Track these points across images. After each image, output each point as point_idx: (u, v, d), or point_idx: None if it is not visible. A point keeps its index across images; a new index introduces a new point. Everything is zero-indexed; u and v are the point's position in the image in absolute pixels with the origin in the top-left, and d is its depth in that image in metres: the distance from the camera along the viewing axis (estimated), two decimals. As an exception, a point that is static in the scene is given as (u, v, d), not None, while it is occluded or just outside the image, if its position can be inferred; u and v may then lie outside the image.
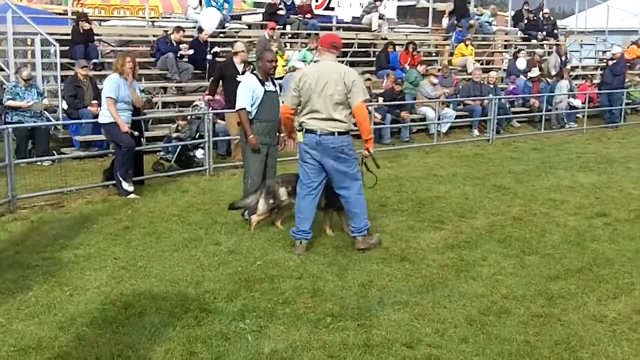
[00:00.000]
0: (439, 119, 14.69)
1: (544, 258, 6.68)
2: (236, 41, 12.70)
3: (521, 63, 18.47)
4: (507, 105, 16.37)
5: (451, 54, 19.95)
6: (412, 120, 14.82)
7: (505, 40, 22.81)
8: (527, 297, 5.66)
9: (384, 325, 5.04)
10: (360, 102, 6.60)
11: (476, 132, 15.46)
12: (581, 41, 24.16)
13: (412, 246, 7.03)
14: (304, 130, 6.71)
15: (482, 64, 19.98)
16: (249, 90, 7.60)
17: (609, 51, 24.18)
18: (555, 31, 23.45)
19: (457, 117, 15.41)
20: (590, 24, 26.40)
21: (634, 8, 27.28)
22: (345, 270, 6.25)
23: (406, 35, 20.36)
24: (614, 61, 18.68)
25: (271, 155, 7.85)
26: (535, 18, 23.19)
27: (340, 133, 6.64)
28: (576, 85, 18.55)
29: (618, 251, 6.92)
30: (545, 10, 23.93)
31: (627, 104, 18.43)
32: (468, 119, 15.61)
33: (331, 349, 4.68)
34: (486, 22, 21.92)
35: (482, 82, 16.10)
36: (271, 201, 7.45)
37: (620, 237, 7.40)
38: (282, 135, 7.85)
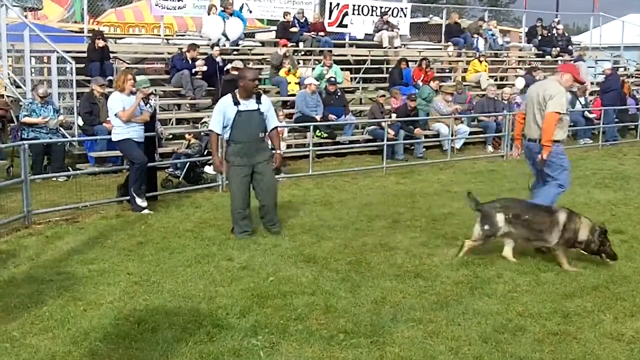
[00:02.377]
0: (452, 135, 14.66)
1: (560, 275, 6.62)
2: (249, 59, 12.82)
3: (520, 83, 18.41)
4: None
5: (465, 70, 19.96)
6: (426, 137, 14.80)
7: (519, 57, 22.78)
8: (542, 314, 5.61)
9: (397, 343, 5.01)
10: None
11: (490, 148, 15.42)
12: (596, 57, 24.09)
13: (425, 263, 7.00)
14: None
15: (496, 80, 19.95)
16: (220, 113, 7.73)
17: (625, 67, 24.18)
18: (570, 47, 23.42)
19: (471, 133, 15.39)
20: (605, 39, 26.34)
21: (648, 24, 27.26)
22: (358, 286, 6.22)
23: (419, 51, 20.40)
24: (605, 78, 18.59)
25: (260, 174, 7.78)
26: (549, 34, 23.19)
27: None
28: (591, 101, 18.45)
29: (635, 269, 6.85)
30: (559, 26, 23.90)
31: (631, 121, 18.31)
32: (482, 135, 15.57)
33: (344, 366, 4.67)
34: (492, 36, 21.89)
35: (496, 98, 16.07)
36: (486, 227, 7.09)
37: (637, 255, 7.33)
38: (277, 152, 7.95)
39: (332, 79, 15.02)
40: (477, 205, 7.21)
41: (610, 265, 6.88)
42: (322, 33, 18.89)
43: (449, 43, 21.31)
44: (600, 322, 5.46)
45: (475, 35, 21.07)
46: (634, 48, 26.21)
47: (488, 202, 7.24)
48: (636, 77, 23.25)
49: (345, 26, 20.02)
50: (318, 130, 13.67)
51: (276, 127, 8.06)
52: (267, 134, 7.99)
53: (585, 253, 7.01)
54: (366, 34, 20.33)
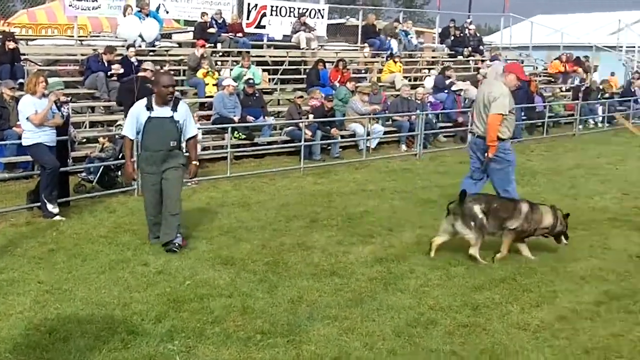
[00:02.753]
0: (368, 135, 14.87)
1: (469, 269, 6.85)
2: (165, 60, 12.66)
3: (429, 83, 18.85)
4: (434, 121, 16.69)
5: (380, 71, 20.26)
6: (342, 137, 14.96)
7: (433, 57, 23.27)
8: (453, 307, 5.80)
9: (313, 341, 5.09)
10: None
11: (404, 147, 15.69)
12: (506, 57, 24.82)
13: (341, 261, 7.12)
14: None
15: (410, 80, 20.33)
16: (132, 117, 7.53)
17: (534, 66, 25.02)
18: (481, 47, 24.05)
19: (385, 132, 15.63)
20: (515, 40, 27.19)
21: (556, 24, 28.26)
22: (275, 287, 6.28)
23: (336, 52, 20.59)
24: None
25: (165, 180, 7.47)
26: (461, 35, 23.74)
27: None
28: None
29: (540, 261, 7.15)
30: (472, 26, 24.52)
31: (549, 117, 19.01)
32: (396, 135, 15.84)
33: (260, 366, 4.72)
34: (406, 38, 22.28)
35: (409, 98, 16.39)
36: (472, 223, 7.06)
37: (542, 247, 7.62)
38: (193, 162, 7.72)
39: (251, 80, 15.01)
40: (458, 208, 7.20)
41: (563, 245, 7.32)
42: (240, 34, 18.83)
43: (365, 44, 21.58)
44: (508, 313, 5.68)
45: (388, 37, 21.33)
46: (542, 48, 27.13)
47: (469, 201, 7.22)
48: (544, 76, 24.08)
49: (263, 27, 20.01)
50: (236, 132, 13.63)
51: (195, 137, 7.80)
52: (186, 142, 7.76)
53: (547, 237, 7.35)
54: (284, 35, 20.37)
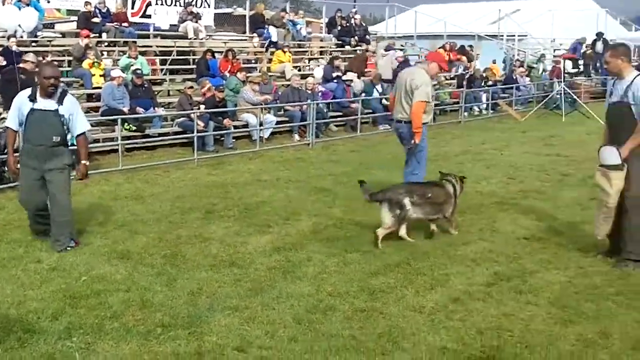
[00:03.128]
0: (260, 125, 14.90)
1: (365, 255, 7.01)
2: (48, 51, 12.21)
3: (318, 72, 19.16)
4: (325, 110, 16.90)
5: (269, 61, 20.28)
6: (235, 127, 14.91)
7: (321, 47, 23.49)
8: (350, 293, 5.93)
9: (214, 332, 5.10)
10: None
11: (297, 137, 15.80)
12: (393, 45, 25.35)
13: (240, 251, 7.14)
14: None
15: (299, 70, 20.46)
16: (15, 108, 7.13)
17: (419, 55, 25.65)
18: (367, 37, 24.45)
19: (278, 122, 15.69)
20: (400, 29, 27.77)
21: (439, 14, 29.08)
22: (174, 279, 6.23)
23: (224, 42, 20.44)
24: (397, 65, 19.69)
25: (50, 183, 7.06)
26: (348, 24, 24.06)
27: None
28: (388, 87, 19.37)
29: (433, 245, 7.40)
30: (357, 16, 24.87)
31: (436, 105, 19.55)
32: (288, 125, 15.94)
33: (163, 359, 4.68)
34: (295, 28, 22.40)
35: (300, 87, 16.51)
36: (397, 212, 7.25)
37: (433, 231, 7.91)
38: (82, 162, 7.29)
39: (139, 71, 14.70)
40: (374, 196, 7.48)
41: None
42: (125, 24, 18.39)
43: (254, 34, 21.52)
44: (403, 297, 5.86)
45: (268, 26, 21.27)
46: (426, 37, 27.83)
47: (388, 190, 7.50)
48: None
49: (149, 16, 19.60)
50: (126, 124, 13.33)
51: (84, 134, 7.33)
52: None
53: None
54: (171, 25, 20.04)
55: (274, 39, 20.80)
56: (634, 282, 6.18)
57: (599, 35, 27.90)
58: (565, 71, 26.78)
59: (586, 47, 27.61)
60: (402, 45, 25.58)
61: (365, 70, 21.01)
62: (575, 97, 21.59)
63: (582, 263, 6.75)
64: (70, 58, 15.97)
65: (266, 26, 21.15)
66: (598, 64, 26.76)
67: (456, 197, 7.79)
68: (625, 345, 4.93)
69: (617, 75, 6.73)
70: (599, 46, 27.29)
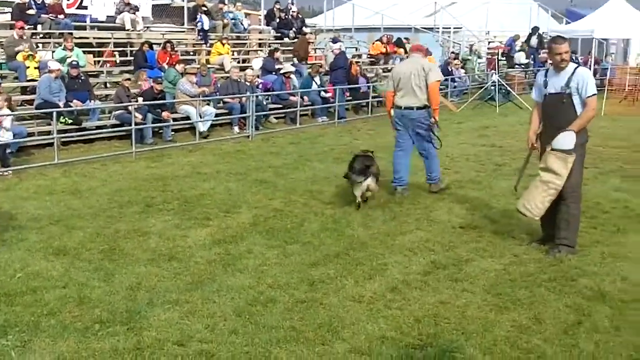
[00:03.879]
0: (200, 117, 14.79)
1: (305, 246, 7.07)
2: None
3: (257, 64, 19.11)
4: (264, 102, 16.88)
5: (208, 53, 20.10)
6: (174, 120, 14.77)
7: (260, 39, 23.40)
8: (291, 284, 5.97)
9: (154, 326, 5.08)
10: None
11: (236, 129, 15.75)
12: (331, 38, 25.39)
13: (179, 245, 7.11)
14: None
15: (238, 62, 20.35)
16: None
17: (356, 47, 25.81)
18: (305, 29, 24.44)
19: (217, 115, 15.60)
20: (338, 22, 27.84)
21: (376, 6, 29.21)
22: (112, 275, 6.17)
23: (163, 34, 20.17)
24: (334, 57, 19.81)
25: None
26: (286, 17, 24.02)
27: None
28: (326, 81, 19.45)
29: (371, 235, 7.49)
30: (294, 8, 24.84)
31: (373, 97, 19.77)
32: (228, 117, 15.87)
33: (101, 356, 4.64)
34: (233, 19, 22.23)
35: (239, 79, 16.43)
36: (376, 180, 8.63)
37: (372, 222, 8.02)
38: None
39: (75, 63, 14.39)
40: (359, 175, 8.48)
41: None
42: (61, 15, 17.94)
43: (193, 25, 21.25)
44: (343, 287, 5.93)
45: (199, 14, 21.01)
46: (363, 29, 27.96)
47: (367, 168, 8.50)
48: (367, 58, 24.91)
49: (85, 8, 19.18)
50: (62, 117, 13.06)
51: None
52: None
53: None
54: (108, 16, 19.64)
55: (206, 27, 20.55)
56: (566, 269, 6.37)
57: (534, 29, 28.55)
58: (519, 62, 27.50)
59: (522, 43, 28.25)
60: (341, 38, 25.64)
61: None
62: (509, 88, 22.07)
63: (516, 251, 6.93)
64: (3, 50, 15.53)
65: (199, 14, 20.86)
66: (532, 57, 27.42)
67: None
68: (557, 329, 5.09)
69: (558, 68, 6.85)
70: (534, 41, 27.94)
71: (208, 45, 20.44)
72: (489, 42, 30.02)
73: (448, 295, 5.75)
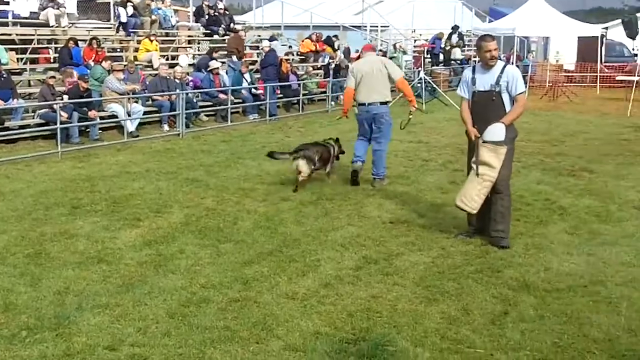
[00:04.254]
0: (128, 115, 14.55)
1: (238, 244, 7.06)
2: None
3: (183, 60, 19.08)
4: (194, 100, 16.74)
5: (136, 50, 19.79)
6: (101, 118, 14.49)
7: (189, 36, 23.16)
8: (224, 284, 5.95)
9: (84, 331, 4.99)
10: None
11: (166, 127, 15.56)
12: (259, 36, 25.36)
13: (109, 247, 6.99)
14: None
15: (167, 59, 20.09)
16: None
17: (287, 45, 25.81)
18: (234, 26, 24.32)
19: (146, 113, 15.38)
20: (267, 19, 27.82)
21: (305, 4, 29.31)
22: (39, 279, 6.03)
23: (88, 30, 19.75)
24: (264, 55, 19.83)
25: None
26: (215, 13, 23.84)
27: None
28: (257, 78, 19.42)
29: (304, 232, 7.54)
30: (221, 5, 24.68)
31: (304, 94, 19.87)
32: (157, 115, 15.67)
33: (30, 363, 4.54)
34: (163, 16, 21.94)
35: (168, 77, 16.23)
36: (312, 166, 9.52)
37: (304, 219, 8.07)
38: None
39: (-5, 60, 13.99)
40: (294, 154, 9.57)
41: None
42: (-18, 11, 17.39)
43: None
44: (277, 284, 5.95)
45: (119, 7, 20.65)
46: (293, 27, 27.99)
47: (302, 150, 9.60)
48: (297, 55, 24.94)
49: (7, 3, 18.61)
50: (-18, 117, 12.68)
51: None
52: None
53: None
54: (31, 12, 19.10)
55: (123, 19, 20.20)
56: (492, 260, 6.56)
57: (455, 28, 29.18)
58: (454, 57, 27.99)
59: (445, 41, 28.83)
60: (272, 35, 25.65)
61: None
62: (434, 85, 22.47)
63: (443, 244, 7.08)
64: None
65: (117, 7, 20.48)
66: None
67: (334, 155, 10.20)
68: (485, 320, 5.23)
69: (487, 65, 6.95)
70: (454, 39, 28.54)
71: (129, 37, 20.10)
72: (415, 40, 30.47)
73: (379, 289, 5.83)
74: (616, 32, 29.78)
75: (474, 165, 6.87)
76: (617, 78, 24.65)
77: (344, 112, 10.24)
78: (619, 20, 29.59)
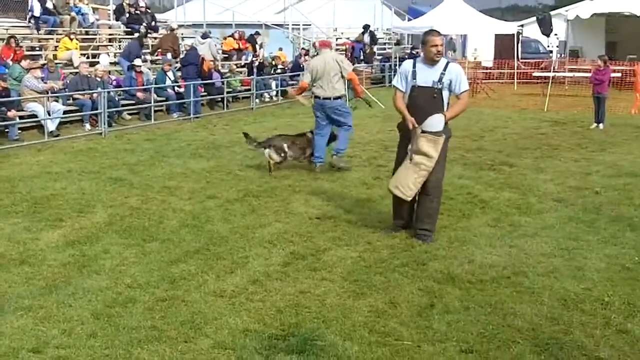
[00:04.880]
0: (49, 115, 14.19)
1: (164, 243, 6.99)
2: None
3: (104, 59, 18.88)
4: (116, 98, 16.45)
5: (56, 48, 19.30)
6: (20, 118, 14.08)
7: (110, 34, 22.73)
8: (151, 283, 5.88)
9: (7, 334, 4.87)
10: None
11: (88, 126, 15.25)
12: (182, 34, 25.06)
13: (31, 248, 6.82)
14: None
15: (88, 57, 19.67)
16: None
17: (211, 44, 25.58)
18: (155, 24, 24.01)
19: (67, 112, 15.04)
20: (190, 17, 27.55)
21: (227, 3, 29.17)
22: (-43, 283, 5.85)
23: (6, 29, 19.15)
24: (185, 53, 19.70)
25: None
26: (136, 12, 23.46)
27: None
28: (180, 76, 19.20)
29: (231, 229, 7.51)
30: (142, 3, 24.31)
31: (228, 92, 19.79)
32: (79, 114, 15.34)
33: (-50, 368, 4.41)
34: (81, 14, 21.47)
35: (89, 75, 15.90)
36: (282, 154, 10.37)
37: (231, 216, 8.05)
38: None
39: None
40: (262, 143, 10.52)
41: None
42: None
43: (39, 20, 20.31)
44: (205, 283, 5.91)
45: (33, 2, 20.10)
46: (215, 26, 27.75)
47: (272, 139, 10.58)
48: (220, 53, 24.76)
49: None
50: None
51: None
52: None
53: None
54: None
55: (36, 13, 19.68)
56: (417, 254, 6.67)
57: (366, 27, 29.55)
58: (396, 56, 28.30)
59: (364, 44, 29.31)
60: (194, 33, 25.42)
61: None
62: (358, 82, 22.69)
63: (369, 238, 7.17)
64: None
65: (32, 1, 19.92)
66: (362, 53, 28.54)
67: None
68: (412, 312, 5.32)
69: (432, 61, 6.89)
70: (367, 38, 28.90)
71: (49, 36, 19.61)
72: (337, 39, 30.71)
73: (308, 285, 5.87)
74: (532, 30, 30.66)
75: (411, 154, 6.83)
76: (534, 74, 25.41)
77: (298, 97, 11.51)
78: (534, 18, 30.46)
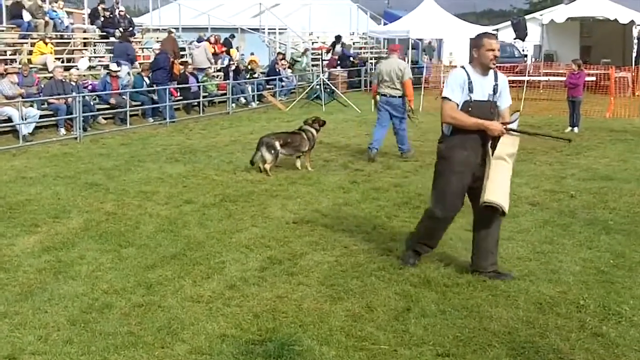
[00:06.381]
0: (23, 119, 14.07)
1: (141, 249, 6.97)
2: None
3: (83, 64, 18.97)
4: (92, 103, 16.36)
5: (30, 52, 19.14)
6: (-7, 123, 13.97)
7: (85, 38, 22.59)
8: (127, 289, 5.86)
9: (-18, 341, 4.83)
10: None
11: (63, 131, 15.15)
12: (157, 38, 24.96)
13: (6, 254, 6.77)
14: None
15: (62, 62, 19.52)
16: None
17: (187, 47, 25.52)
18: (131, 28, 23.90)
19: (42, 116, 14.92)
20: (165, 21, 27.44)
21: (203, 7, 29.11)
22: None
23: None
24: (155, 57, 19.64)
25: None
26: (111, 16, 23.35)
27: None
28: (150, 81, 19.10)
29: (207, 234, 7.50)
30: (121, 7, 24.19)
31: (204, 96, 19.76)
32: (53, 118, 15.23)
33: None
34: (56, 17, 21.32)
35: (64, 80, 15.79)
36: (273, 152, 10.57)
37: (208, 221, 8.03)
38: None
39: None
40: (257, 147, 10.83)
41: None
42: None
43: (12, 24, 20.14)
44: (181, 288, 5.90)
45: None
46: (191, 29, 27.67)
47: (264, 137, 10.90)
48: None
49: None
50: None
51: None
52: None
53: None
54: None
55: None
56: (393, 258, 6.68)
57: (338, 38, 29.58)
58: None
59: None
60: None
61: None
62: (333, 87, 22.83)
63: (346, 243, 7.19)
64: None
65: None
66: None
67: (311, 139, 11.16)
68: (388, 316, 5.35)
69: (486, 69, 5.93)
70: (338, 48, 28.99)
71: (30, 44, 19.46)
72: (313, 43, 30.78)
73: (285, 290, 5.88)
74: (507, 34, 30.93)
75: (506, 159, 5.88)
76: (509, 78, 25.60)
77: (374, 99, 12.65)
78: (509, 22, 30.76)
